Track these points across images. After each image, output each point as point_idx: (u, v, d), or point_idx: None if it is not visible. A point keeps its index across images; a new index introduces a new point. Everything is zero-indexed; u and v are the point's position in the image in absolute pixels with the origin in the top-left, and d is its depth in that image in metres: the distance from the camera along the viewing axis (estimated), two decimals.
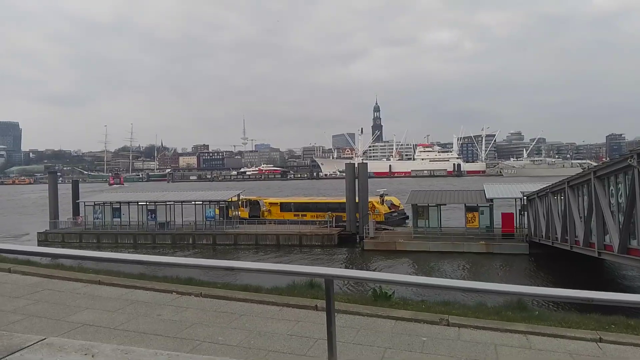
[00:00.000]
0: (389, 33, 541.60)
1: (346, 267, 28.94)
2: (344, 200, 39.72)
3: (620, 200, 17.17)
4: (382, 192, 47.10)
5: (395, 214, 44.92)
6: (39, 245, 37.27)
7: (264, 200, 48.31)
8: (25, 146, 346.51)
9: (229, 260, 3.36)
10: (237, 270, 3.47)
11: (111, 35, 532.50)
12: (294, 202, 47.45)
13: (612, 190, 18.01)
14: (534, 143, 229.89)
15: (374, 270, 25.10)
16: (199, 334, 6.86)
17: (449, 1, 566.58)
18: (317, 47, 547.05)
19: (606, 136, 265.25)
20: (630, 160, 15.36)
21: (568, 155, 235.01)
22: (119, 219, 41.41)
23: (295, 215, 44.19)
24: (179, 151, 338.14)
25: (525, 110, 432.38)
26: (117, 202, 42.45)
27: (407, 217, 43.13)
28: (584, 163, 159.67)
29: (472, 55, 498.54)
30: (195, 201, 41.26)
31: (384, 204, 44.51)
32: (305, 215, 43.53)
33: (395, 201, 46.97)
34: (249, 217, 44.96)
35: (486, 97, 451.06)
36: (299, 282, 10.24)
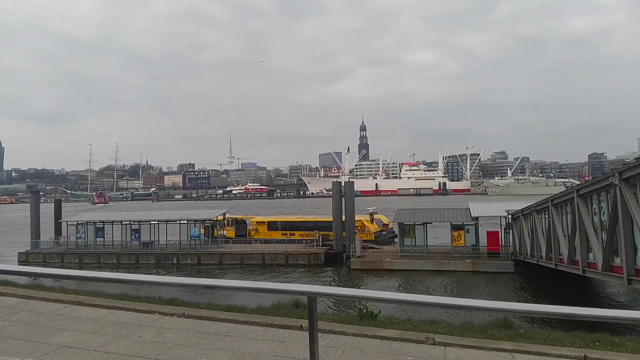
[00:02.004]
0: (371, 53, 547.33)
1: (330, 285, 28.83)
2: (330, 219, 39.76)
3: (603, 219, 17.39)
4: (371, 211, 47.16)
5: (385, 232, 44.95)
6: (19, 265, 36.49)
7: (251, 219, 48.13)
8: (8, 165, 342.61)
9: (211, 279, 3.31)
10: (219, 289, 3.43)
11: (94, 53, 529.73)
12: (281, 221, 47.36)
13: (594, 208, 18.24)
14: (518, 162, 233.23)
15: (359, 288, 25.07)
16: (182, 355, 6.72)
17: (430, 23, 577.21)
18: (301, 67, 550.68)
19: (588, 155, 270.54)
20: (612, 179, 15.61)
21: (551, 174, 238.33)
22: (102, 239, 40.87)
23: (283, 234, 44.04)
24: (164, 170, 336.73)
25: (508, 129, 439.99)
26: (100, 222, 41.96)
27: (397, 236, 43.32)
28: (567, 182, 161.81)
29: (454, 75, 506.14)
30: (179, 220, 40.99)
31: (374, 223, 44.55)
32: (294, 234, 43.42)
33: (385, 220, 47.05)
34: (236, 236, 44.71)
35: (470, 116, 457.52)
36: (284, 301, 10.14)
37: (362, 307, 9.79)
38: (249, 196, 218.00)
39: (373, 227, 43.58)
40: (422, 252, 33.95)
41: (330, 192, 41.69)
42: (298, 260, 36.25)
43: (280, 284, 3.32)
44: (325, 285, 28.18)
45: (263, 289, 3.23)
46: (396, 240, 42.41)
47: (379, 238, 42.49)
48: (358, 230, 40.19)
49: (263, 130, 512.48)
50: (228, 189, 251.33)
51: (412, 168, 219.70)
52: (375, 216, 46.23)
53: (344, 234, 37.46)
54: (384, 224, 46.06)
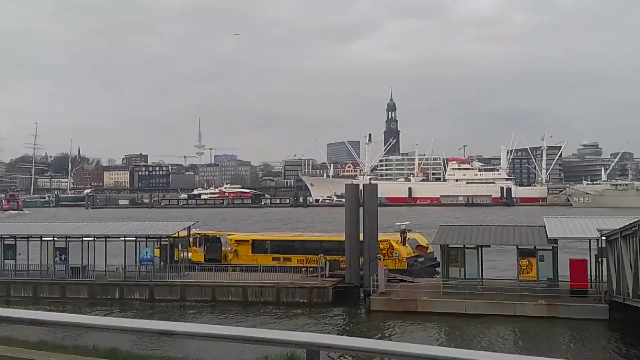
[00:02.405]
0: (405, 0, 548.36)
1: (340, 335, 28.84)
2: (342, 237, 39.65)
3: None
4: (403, 227, 47.06)
5: (422, 258, 44.93)
6: None
7: (228, 237, 48.31)
8: None
9: (169, 322, 3.34)
10: (180, 336, 3.43)
11: None
12: (271, 240, 47.60)
13: None
14: (616, 159, 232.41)
15: (380, 339, 25.10)
16: None
17: None
18: (304, 19, 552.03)
19: None
20: None
21: None
22: (12, 261, 41.00)
23: (274, 259, 44.12)
24: (104, 164, 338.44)
25: (603, 113, 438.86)
26: (10, 237, 42.12)
27: (439, 264, 43.30)
28: None
29: (526, 33, 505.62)
30: (125, 236, 41.11)
31: (407, 245, 44.50)
32: (290, 259, 43.47)
33: (422, 240, 46.96)
34: (206, 260, 44.84)
35: (548, 94, 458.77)
36: (273, 355, 10.15)
37: None
38: (225, 203, 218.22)
39: (405, 251, 43.56)
40: (474, 289, 33.88)
41: (343, 199, 41.78)
42: (295, 297, 36.23)
43: (269, 331, 3.32)
44: (333, 334, 28.24)
45: (243, 338, 3.24)
46: (438, 269, 42.39)
47: (413, 267, 42.46)
48: (383, 254, 40.17)
49: (247, 110, 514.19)
50: (195, 192, 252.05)
51: (463, 166, 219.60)
52: (409, 235, 46.17)
53: (361, 259, 37.44)
54: (421, 246, 45.95)
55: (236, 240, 47.25)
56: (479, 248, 35.26)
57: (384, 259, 39.33)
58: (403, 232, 45.88)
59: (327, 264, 39.54)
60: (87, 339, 11.09)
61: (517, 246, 34.98)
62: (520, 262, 34.62)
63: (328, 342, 3.18)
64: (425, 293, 34.48)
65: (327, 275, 38.64)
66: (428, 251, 46.02)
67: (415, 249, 45.19)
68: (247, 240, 47.26)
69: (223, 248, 46.76)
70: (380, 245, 40.23)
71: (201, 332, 3.36)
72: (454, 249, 35.43)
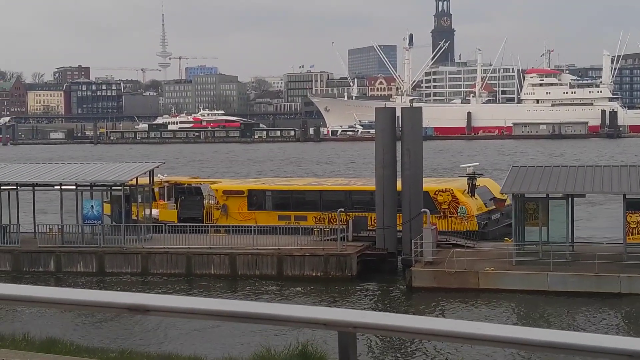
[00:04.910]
0: None
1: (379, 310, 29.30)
2: (371, 187, 39.76)
3: None
4: (471, 170, 46.50)
5: (499, 215, 45.13)
6: None
7: (212, 186, 48.69)
8: None
9: (141, 295, 3.37)
10: (155, 313, 3.43)
11: None
12: (273, 190, 48.08)
13: None
14: None
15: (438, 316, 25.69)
16: None
17: None
18: None
19: None
20: None
21: None
22: None
23: (281, 218, 44.44)
24: (28, 80, 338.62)
25: None
26: None
27: None
28: None
29: None
30: (61, 184, 41.36)
31: (476, 196, 44.41)
32: (305, 219, 43.60)
33: (496, 189, 46.56)
34: (180, 220, 45.11)
35: None
36: (280, 344, 10.25)
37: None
38: (202, 136, 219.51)
39: (475, 205, 43.71)
40: (561, 256, 34.03)
41: (372, 131, 41.75)
42: (303, 270, 36.75)
43: (280, 305, 3.34)
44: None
45: (245, 315, 3.25)
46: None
47: (487, 225, 42.77)
48: (444, 210, 40.39)
49: (231, 2, 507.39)
50: (160, 120, 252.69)
51: (547, 81, 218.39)
52: (479, 181, 45.85)
53: (399, 217, 37.54)
54: (498, 200, 45.47)
55: (224, 192, 47.48)
56: (569, 198, 35.25)
57: (446, 216, 39.45)
58: (471, 177, 45.30)
59: (350, 222, 39.79)
60: (18, 323, 11.32)
61: (624, 195, 34.84)
62: (628, 219, 34.62)
63: (370, 321, 3.17)
64: (490, 263, 34.71)
65: (351, 238, 38.91)
66: (507, 204, 45.62)
67: (490, 203, 45.15)
68: (241, 192, 47.45)
69: (205, 202, 47.00)
70: (439, 197, 40.47)
71: (189, 307, 3.34)
72: (532, 199, 35.51)
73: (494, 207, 44.68)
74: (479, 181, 46.27)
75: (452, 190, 42.95)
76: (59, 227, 40.44)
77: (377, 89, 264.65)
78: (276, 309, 3.28)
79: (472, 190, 44.30)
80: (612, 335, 2.87)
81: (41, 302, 3.55)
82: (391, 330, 3.16)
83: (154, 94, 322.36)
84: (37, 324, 17.86)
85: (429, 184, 43.96)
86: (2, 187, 41.18)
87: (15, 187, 41.26)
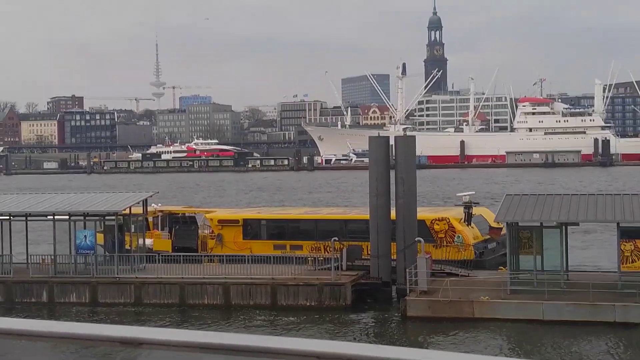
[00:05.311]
0: None
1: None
2: (365, 215, 39.72)
3: None
4: (467, 198, 46.50)
5: (495, 244, 45.00)
6: None
7: (207, 215, 48.50)
8: None
9: (134, 327, 3.33)
10: (149, 346, 3.41)
11: None
12: (268, 219, 48.02)
13: None
14: None
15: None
16: None
17: None
18: None
19: None
20: None
21: None
22: None
23: (277, 247, 44.26)
24: (21, 110, 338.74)
25: None
26: None
27: None
28: None
29: None
30: (55, 214, 41.28)
31: (472, 225, 44.49)
32: (301, 248, 43.55)
33: (491, 217, 46.53)
34: (175, 249, 44.99)
35: None
36: None
37: None
38: (196, 166, 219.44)
39: (472, 234, 43.59)
40: (556, 285, 33.98)
41: (365, 159, 41.85)
42: (297, 299, 36.66)
43: (275, 338, 3.32)
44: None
45: (245, 349, 3.24)
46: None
47: (483, 254, 42.67)
48: (441, 239, 40.32)
49: (224, 31, 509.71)
50: (154, 150, 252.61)
51: (539, 109, 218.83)
52: (475, 210, 45.85)
53: (393, 245, 37.53)
54: (492, 229, 45.41)
55: (219, 221, 47.22)
56: (563, 227, 35.22)
57: (442, 245, 39.39)
58: (467, 206, 45.33)
59: (344, 251, 39.66)
60: (7, 357, 11.29)
61: (618, 223, 34.86)
62: (622, 247, 34.53)
63: (363, 354, 3.16)
64: (485, 292, 34.66)
65: (345, 267, 38.79)
66: (502, 234, 45.59)
67: (485, 232, 44.94)
68: (237, 221, 47.25)
69: (200, 231, 46.86)
70: (435, 226, 40.36)
71: (184, 340, 3.33)
72: (526, 228, 35.49)
73: (487, 236, 44.58)
74: (475, 210, 46.31)
75: (448, 219, 42.87)
76: (52, 257, 40.30)
77: (371, 117, 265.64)
78: (271, 342, 3.27)
79: (468, 219, 44.30)
80: None
81: (29, 335, 3.52)
82: None
83: (148, 123, 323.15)
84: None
85: (426, 213, 44.12)
86: None
87: (8, 217, 41.21)
